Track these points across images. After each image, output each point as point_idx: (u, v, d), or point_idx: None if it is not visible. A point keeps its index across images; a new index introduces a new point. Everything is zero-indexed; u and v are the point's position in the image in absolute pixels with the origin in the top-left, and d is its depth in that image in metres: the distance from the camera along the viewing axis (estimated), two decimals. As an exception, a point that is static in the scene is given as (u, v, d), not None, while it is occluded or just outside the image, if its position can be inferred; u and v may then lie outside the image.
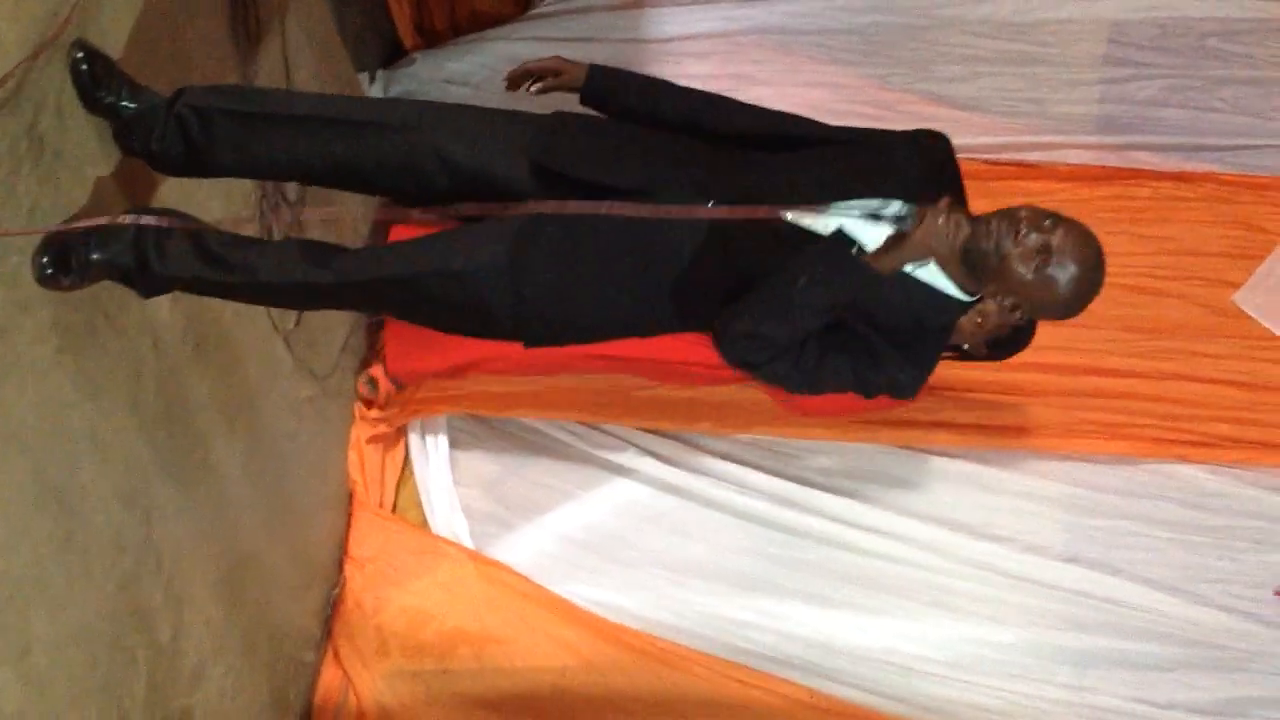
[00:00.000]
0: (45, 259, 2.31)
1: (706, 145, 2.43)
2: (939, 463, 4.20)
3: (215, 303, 3.06)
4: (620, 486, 4.30)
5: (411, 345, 4.00)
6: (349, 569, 4.09)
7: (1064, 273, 2.13)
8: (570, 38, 4.46)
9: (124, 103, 2.45)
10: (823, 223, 2.24)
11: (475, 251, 2.38)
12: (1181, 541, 4.11)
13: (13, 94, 2.19)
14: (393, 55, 4.60)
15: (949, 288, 2.28)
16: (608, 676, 3.99)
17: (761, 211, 2.23)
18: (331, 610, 4.05)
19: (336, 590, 4.07)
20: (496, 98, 4.27)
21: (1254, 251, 4.25)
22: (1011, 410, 4.10)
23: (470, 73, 4.49)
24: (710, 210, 2.28)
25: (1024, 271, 2.12)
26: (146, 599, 2.85)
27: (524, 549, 4.20)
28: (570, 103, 2.55)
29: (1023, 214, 2.14)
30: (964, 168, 4.32)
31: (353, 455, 4.16)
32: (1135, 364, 4.13)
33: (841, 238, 2.18)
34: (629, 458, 4.26)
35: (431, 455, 4.29)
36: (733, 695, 3.96)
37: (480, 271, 2.36)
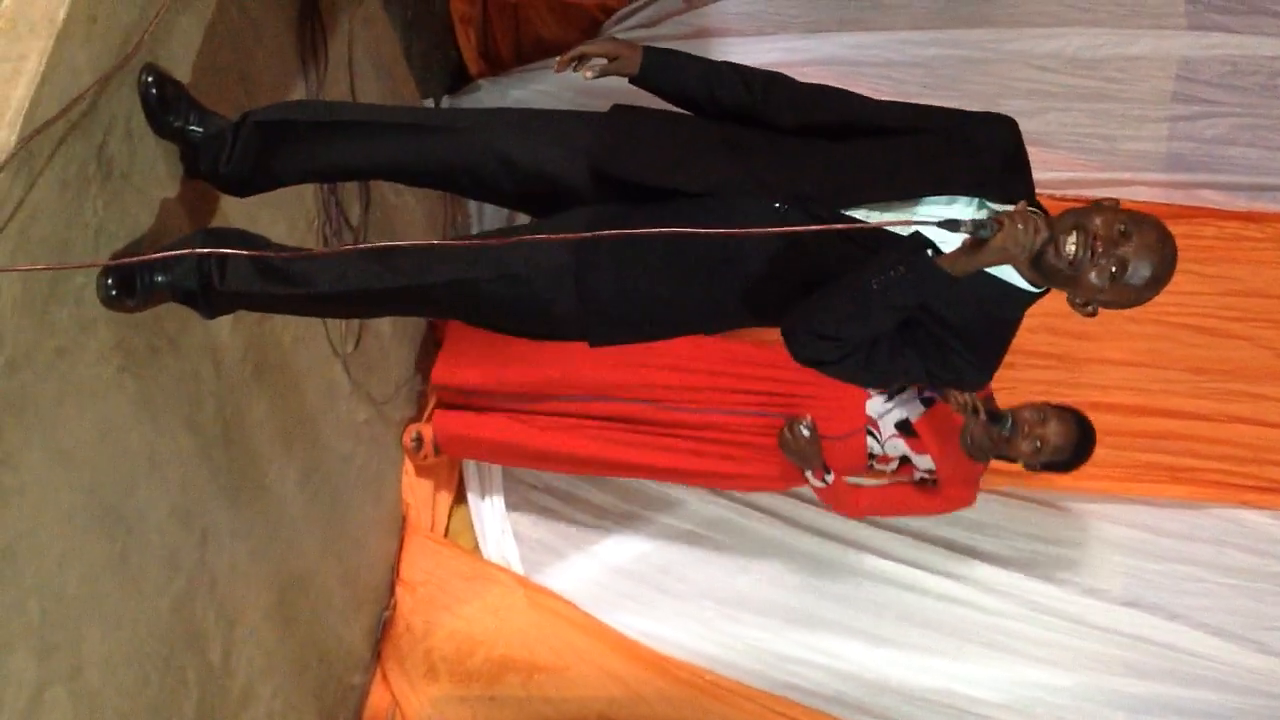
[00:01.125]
0: (110, 281, 2.32)
1: (770, 137, 2.38)
2: (999, 503, 4.16)
3: (275, 325, 3.09)
4: (671, 518, 4.28)
5: (460, 363, 4.01)
6: (400, 592, 4.10)
7: (1138, 278, 2.13)
8: (633, 67, 4.46)
9: (192, 127, 2.47)
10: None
11: (536, 252, 2.35)
12: (1243, 588, 4.05)
13: (84, 116, 2.21)
14: (458, 81, 4.62)
15: (1017, 280, 2.25)
16: (655, 708, 3.97)
17: (838, 226, 2.20)
18: (381, 633, 4.05)
19: (387, 613, 4.07)
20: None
21: (1321, 295, 4.18)
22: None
23: (533, 100, 4.50)
24: (785, 228, 2.22)
25: (1099, 283, 2.12)
26: (199, 619, 2.86)
27: (574, 577, 4.19)
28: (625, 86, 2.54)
29: (1097, 223, 2.10)
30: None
31: (406, 479, 4.17)
32: (1200, 406, 4.07)
33: (918, 240, 2.13)
34: (681, 490, 4.24)
35: (485, 481, 4.29)
36: (783, 731, 3.94)
37: (542, 272, 2.35)
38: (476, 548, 4.27)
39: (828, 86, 2.45)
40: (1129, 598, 4.06)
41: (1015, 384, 3.83)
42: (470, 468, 4.29)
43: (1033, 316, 4.19)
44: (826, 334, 2.22)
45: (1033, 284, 2.26)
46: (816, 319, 2.22)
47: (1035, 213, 2.10)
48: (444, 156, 2.48)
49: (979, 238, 2.04)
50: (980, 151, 2.28)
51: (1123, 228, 2.09)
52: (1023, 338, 3.98)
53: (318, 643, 3.58)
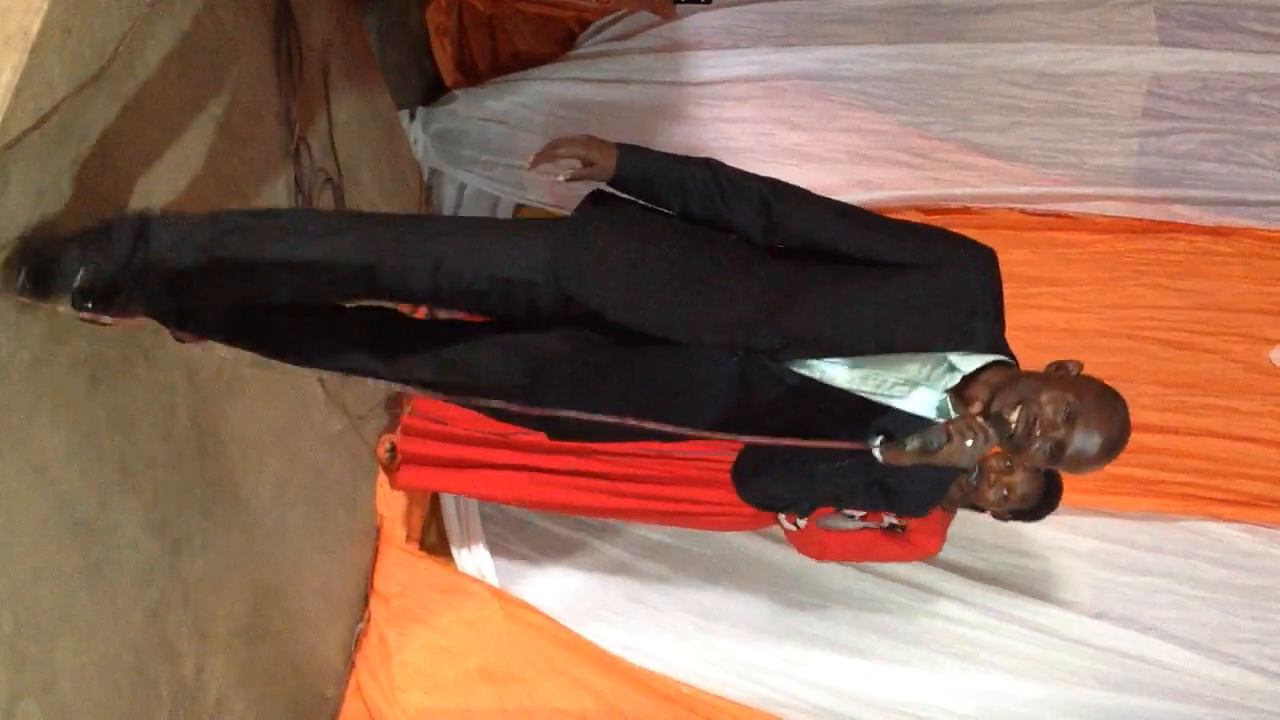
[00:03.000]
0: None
1: (748, 258, 2.29)
2: (969, 516, 4.18)
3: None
4: (647, 531, 4.29)
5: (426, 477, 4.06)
6: (374, 604, 4.09)
7: (1082, 456, 2.10)
8: (609, 79, 4.47)
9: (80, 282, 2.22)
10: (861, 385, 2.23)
11: (493, 370, 2.39)
12: (1213, 600, 4.08)
13: (59, 129, 2.21)
14: (433, 93, 4.64)
15: None
16: (630, 720, 3.98)
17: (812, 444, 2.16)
18: (355, 645, 4.04)
19: (361, 625, 4.06)
20: (534, 137, 4.36)
21: (1291, 308, 4.22)
22: (1043, 463, 4.07)
23: (509, 111, 4.52)
24: (752, 439, 2.23)
25: (1039, 460, 2.11)
26: (172, 631, 2.85)
27: (549, 589, 4.19)
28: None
29: (1043, 401, 2.07)
30: (1002, 217, 4.36)
31: (381, 490, 4.16)
32: (1170, 419, 4.10)
33: (872, 435, 2.14)
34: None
35: (458, 498, 4.29)
36: (758, 743, 3.94)
37: (498, 391, 2.31)
38: (451, 560, 4.27)
39: (816, 204, 2.33)
40: (1099, 609, 4.08)
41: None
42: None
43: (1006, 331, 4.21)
44: (775, 498, 2.37)
45: None
46: (766, 489, 2.34)
47: (983, 424, 2.06)
48: (393, 291, 2.36)
49: (928, 449, 2.06)
50: (958, 300, 2.21)
51: (1067, 411, 2.07)
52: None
53: (291, 654, 3.57)
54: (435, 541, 4.34)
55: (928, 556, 3.76)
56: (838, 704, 4.02)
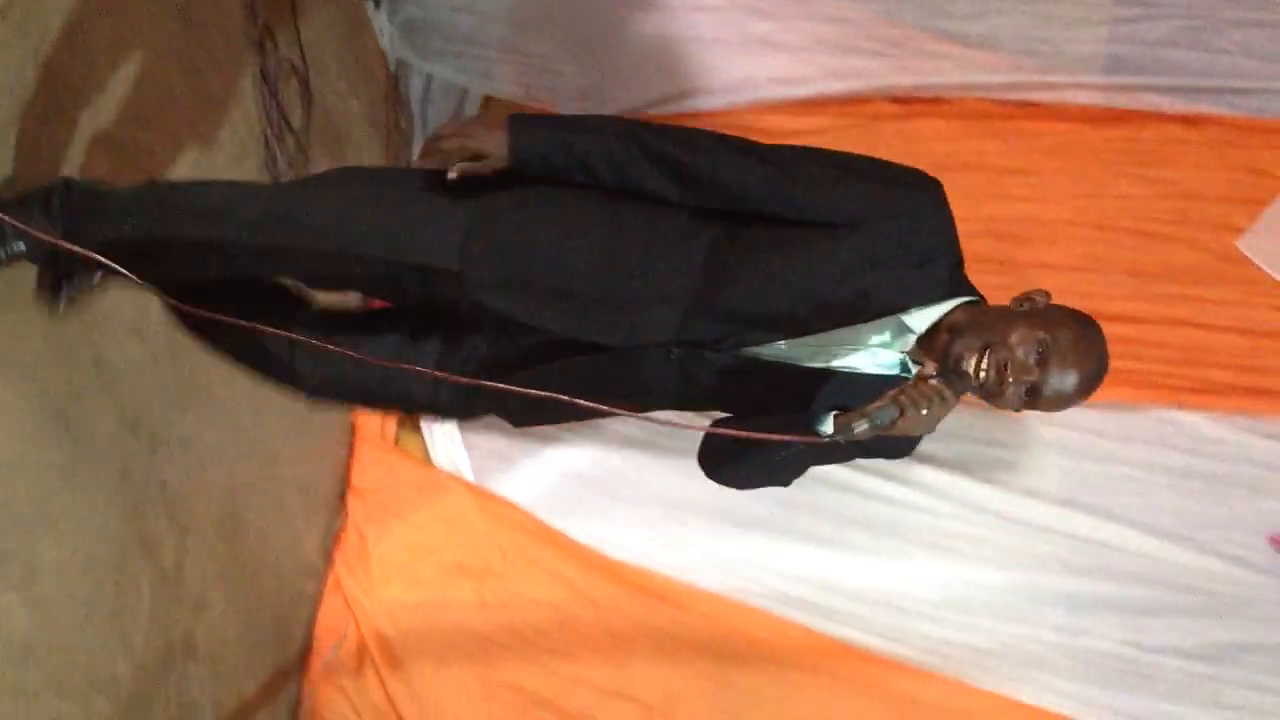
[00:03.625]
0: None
1: (678, 231, 2.09)
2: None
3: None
4: (621, 424, 4.30)
5: None
6: (351, 501, 4.12)
7: (1060, 395, 2.01)
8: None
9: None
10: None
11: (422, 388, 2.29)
12: (1177, 487, 4.12)
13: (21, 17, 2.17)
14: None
15: None
16: (606, 613, 4.02)
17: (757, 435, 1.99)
18: (333, 541, 4.07)
19: (339, 522, 4.09)
20: (504, 26, 4.28)
21: (1260, 196, 4.21)
22: (1013, 354, 4.09)
23: (475, 1, 4.44)
24: (704, 426, 2.13)
25: (1015, 404, 2.01)
26: (150, 527, 2.87)
27: (526, 484, 4.21)
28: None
29: (1012, 342, 1.95)
30: (973, 107, 4.31)
31: (355, 387, 4.16)
32: (1139, 309, 4.11)
33: (821, 419, 1.99)
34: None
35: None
36: (731, 632, 3.99)
37: (431, 408, 2.32)
38: (427, 456, 4.28)
39: (737, 164, 2.09)
40: (1066, 498, 4.12)
41: (958, 288, 3.86)
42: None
43: (975, 222, 4.22)
44: (735, 485, 2.24)
45: None
46: (726, 475, 2.22)
47: (938, 386, 1.91)
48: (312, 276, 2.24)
49: (880, 426, 1.91)
50: (908, 253, 2.03)
51: (1039, 350, 1.95)
52: (965, 243, 4.00)
53: (270, 550, 3.60)
54: (410, 438, 4.35)
55: None
56: (809, 593, 4.07)
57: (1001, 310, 2.05)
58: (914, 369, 2.08)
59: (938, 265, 2.06)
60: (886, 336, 2.08)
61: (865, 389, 2.03)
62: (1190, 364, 4.08)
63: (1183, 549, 4.05)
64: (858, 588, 4.08)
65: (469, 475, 4.20)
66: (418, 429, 4.32)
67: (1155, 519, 4.09)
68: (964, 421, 4.17)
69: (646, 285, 2.06)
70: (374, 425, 4.21)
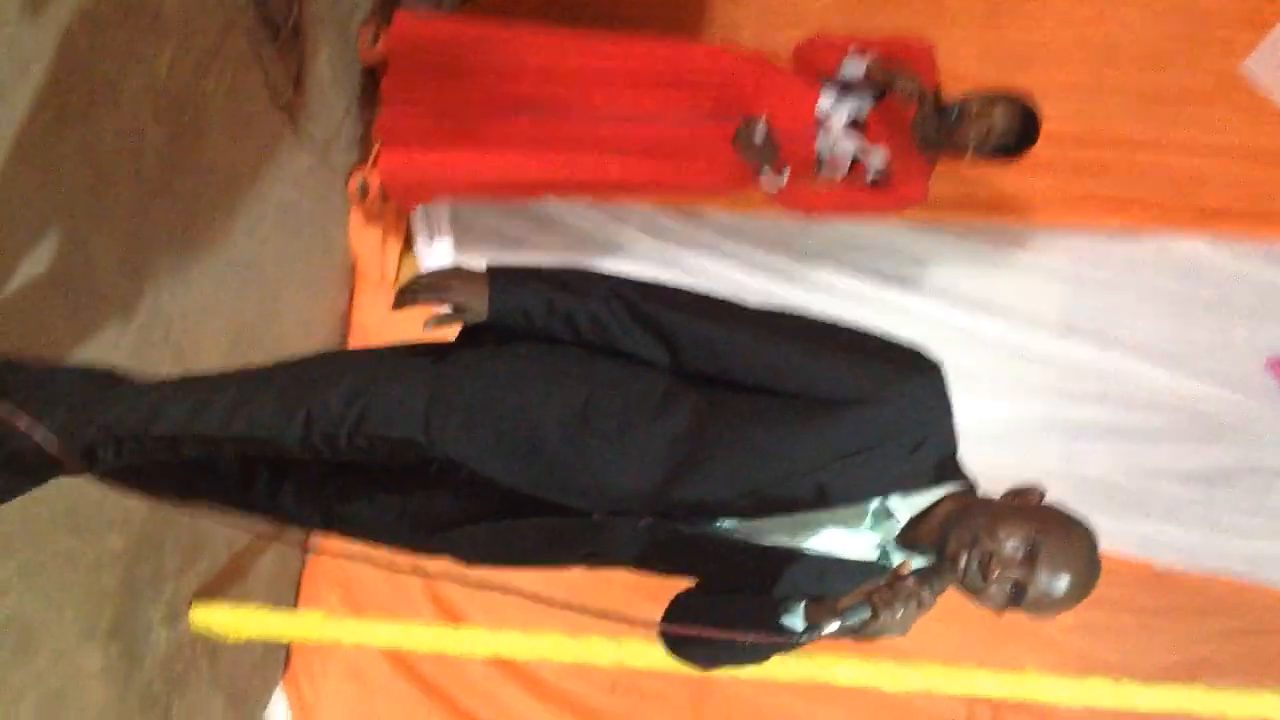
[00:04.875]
0: None
1: (660, 393, 1.97)
2: (940, 237, 4.21)
3: (212, 73, 3.03)
4: (624, 264, 4.30)
5: (406, 152, 3.95)
6: (352, 341, 4.13)
7: (1047, 598, 1.82)
8: None
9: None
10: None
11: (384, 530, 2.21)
12: (1177, 313, 4.16)
13: None
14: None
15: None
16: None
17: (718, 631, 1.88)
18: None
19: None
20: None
21: (1264, 19, 4.15)
22: (1014, 183, 4.08)
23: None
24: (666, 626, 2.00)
25: (998, 604, 1.84)
26: (156, 367, 2.88)
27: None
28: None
29: (1000, 537, 1.81)
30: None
31: (353, 227, 4.15)
32: (1141, 132, 4.08)
33: (792, 611, 1.87)
34: (633, 234, 4.26)
35: (433, 230, 4.28)
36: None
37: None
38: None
39: (735, 334, 1.96)
40: (1066, 326, 4.15)
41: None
42: (418, 214, 4.27)
43: (977, 47, 4.16)
44: (701, 667, 2.09)
45: None
46: (690, 654, 2.06)
47: (914, 588, 1.77)
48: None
49: (851, 629, 1.78)
50: (902, 436, 1.91)
51: (1028, 546, 1.80)
52: (966, 66, 3.97)
53: (275, 391, 3.62)
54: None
55: (914, 204, 3.69)
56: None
57: (992, 502, 1.91)
58: (894, 558, 1.95)
59: (931, 452, 1.93)
60: (868, 520, 1.95)
61: (840, 574, 1.93)
62: (1192, 189, 4.07)
63: (1181, 374, 4.10)
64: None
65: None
66: (417, 270, 4.32)
67: (1154, 345, 4.13)
68: (964, 252, 4.19)
69: (621, 452, 1.94)
70: (374, 266, 4.20)
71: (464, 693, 3.92)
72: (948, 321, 4.16)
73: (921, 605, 1.77)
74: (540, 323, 1.97)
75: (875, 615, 1.75)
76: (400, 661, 3.91)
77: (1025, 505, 1.88)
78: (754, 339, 1.95)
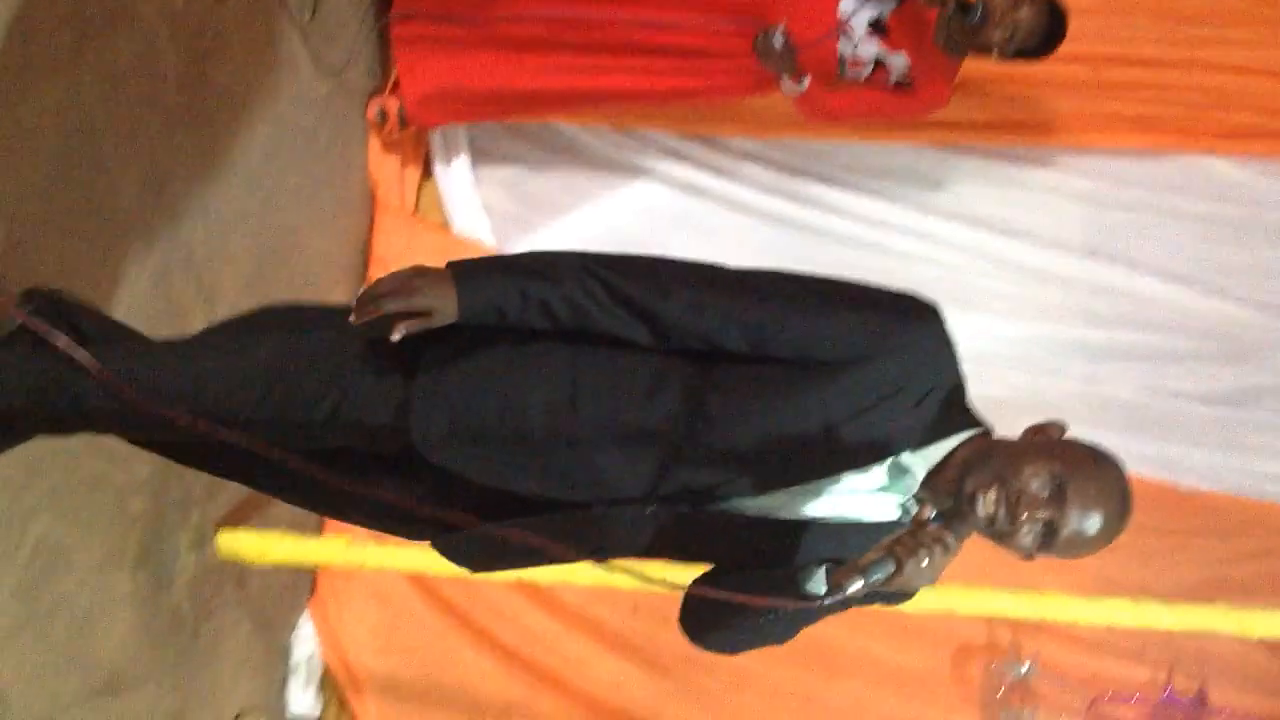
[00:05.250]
0: None
1: (650, 373, 1.87)
2: (962, 159, 4.18)
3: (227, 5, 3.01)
4: (643, 188, 4.29)
5: (424, 60, 3.90)
6: (373, 270, 4.14)
7: (1080, 537, 1.74)
8: None
9: None
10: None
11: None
12: (1201, 234, 4.13)
13: None
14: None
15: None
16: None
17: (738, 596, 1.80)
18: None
19: (362, 288, 4.11)
20: None
21: (1295, -64, 4.09)
22: (1037, 104, 4.04)
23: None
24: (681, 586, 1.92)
25: (1028, 546, 1.76)
26: (178, 293, 2.90)
27: (544, 248, 4.21)
28: None
29: (1024, 476, 1.73)
30: None
31: (372, 155, 4.14)
32: (1166, 52, 4.03)
33: (811, 577, 1.82)
34: (652, 159, 4.24)
35: (452, 156, 4.27)
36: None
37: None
38: (446, 223, 4.28)
39: (721, 300, 1.84)
40: (1089, 247, 4.13)
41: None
42: (436, 140, 4.26)
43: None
44: (724, 651, 2.00)
45: None
46: (712, 640, 1.98)
47: (938, 532, 1.70)
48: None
49: (875, 582, 1.69)
50: (907, 390, 1.82)
51: (1056, 484, 1.73)
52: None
53: (297, 317, 3.63)
54: (430, 207, 4.34)
55: (938, 107, 3.62)
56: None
57: (1012, 442, 1.83)
58: (912, 512, 1.85)
59: (939, 401, 1.84)
60: (883, 480, 1.87)
61: (862, 537, 1.83)
62: (1218, 108, 4.03)
63: (1206, 295, 4.08)
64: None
65: (489, 240, 4.21)
66: (437, 198, 4.31)
67: (1179, 266, 4.11)
68: (986, 174, 4.16)
69: (614, 437, 1.84)
70: (394, 194, 4.20)
71: (487, 616, 3.95)
72: (969, 244, 4.14)
73: (948, 550, 1.70)
74: (515, 317, 1.84)
75: (900, 568, 1.67)
76: (424, 586, 3.95)
77: (1047, 441, 1.80)
78: (741, 304, 1.84)
